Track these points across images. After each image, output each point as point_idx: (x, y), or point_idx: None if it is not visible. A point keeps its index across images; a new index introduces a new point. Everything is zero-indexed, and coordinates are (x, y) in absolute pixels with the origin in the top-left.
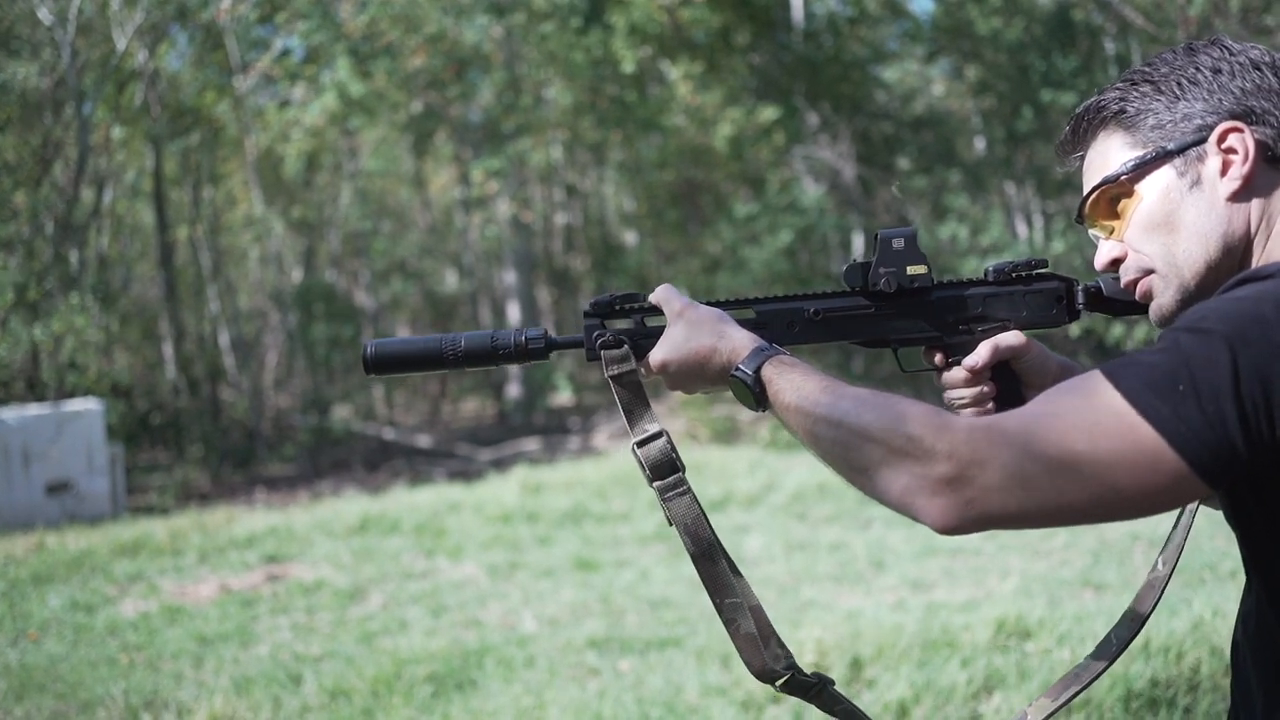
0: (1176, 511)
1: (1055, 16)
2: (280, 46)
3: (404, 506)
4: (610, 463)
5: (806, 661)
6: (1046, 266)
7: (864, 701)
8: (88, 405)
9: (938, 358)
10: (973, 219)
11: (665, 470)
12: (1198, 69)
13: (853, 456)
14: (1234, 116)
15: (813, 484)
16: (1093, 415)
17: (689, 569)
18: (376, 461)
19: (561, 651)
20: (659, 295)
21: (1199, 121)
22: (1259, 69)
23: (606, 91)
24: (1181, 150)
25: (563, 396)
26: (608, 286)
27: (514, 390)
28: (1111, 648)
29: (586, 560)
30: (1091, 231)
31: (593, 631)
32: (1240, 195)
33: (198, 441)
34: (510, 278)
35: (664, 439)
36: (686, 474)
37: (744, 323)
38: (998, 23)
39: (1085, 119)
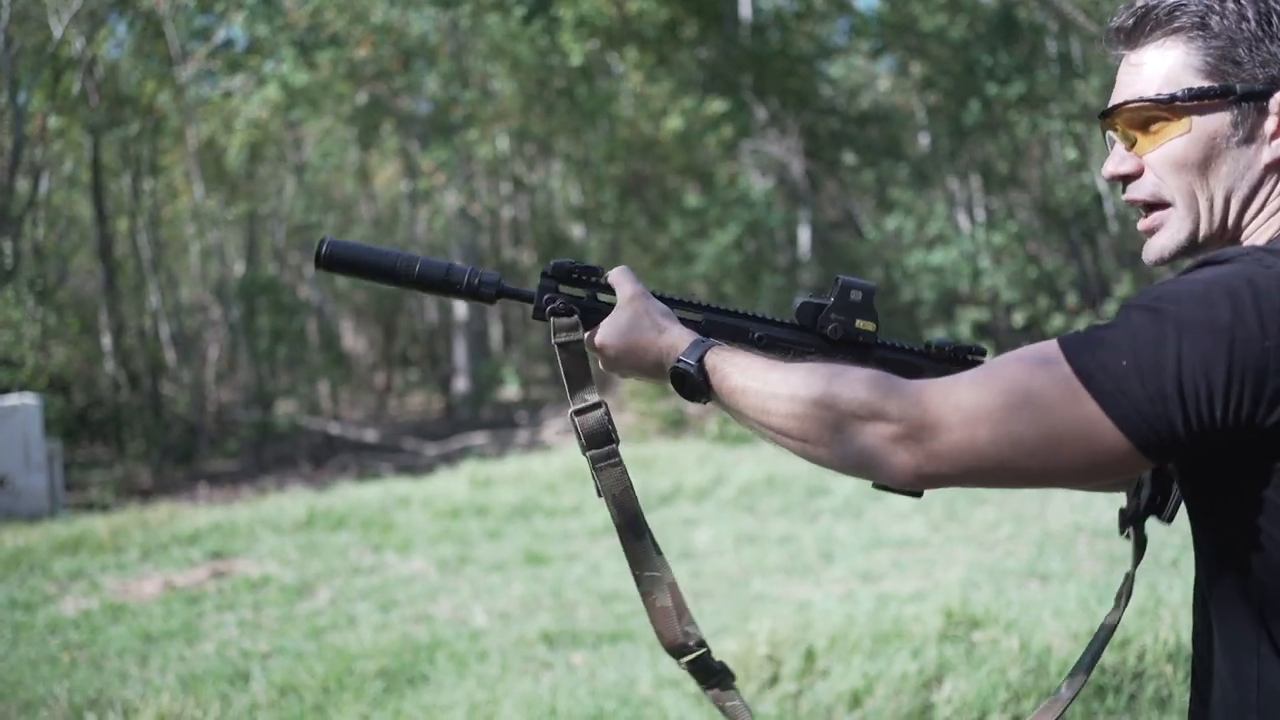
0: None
1: (999, 14)
2: (222, 36)
3: (351, 501)
4: (560, 457)
5: (760, 654)
6: (985, 355)
7: (817, 692)
8: (24, 400)
9: None
10: (917, 213)
11: (600, 440)
12: (1265, 18)
13: (807, 427)
14: (1273, 85)
15: (761, 477)
16: (1041, 383)
17: None
18: (322, 457)
19: (513, 645)
20: (615, 275)
21: (1275, 72)
22: None
23: (554, 84)
24: (1248, 97)
25: (510, 390)
26: None
27: (461, 384)
28: None
29: (537, 554)
30: (1110, 134)
31: (544, 625)
32: (1274, 167)
33: (139, 437)
34: None
35: (602, 410)
36: (620, 449)
37: (689, 325)
38: (942, 19)
39: (1155, 15)
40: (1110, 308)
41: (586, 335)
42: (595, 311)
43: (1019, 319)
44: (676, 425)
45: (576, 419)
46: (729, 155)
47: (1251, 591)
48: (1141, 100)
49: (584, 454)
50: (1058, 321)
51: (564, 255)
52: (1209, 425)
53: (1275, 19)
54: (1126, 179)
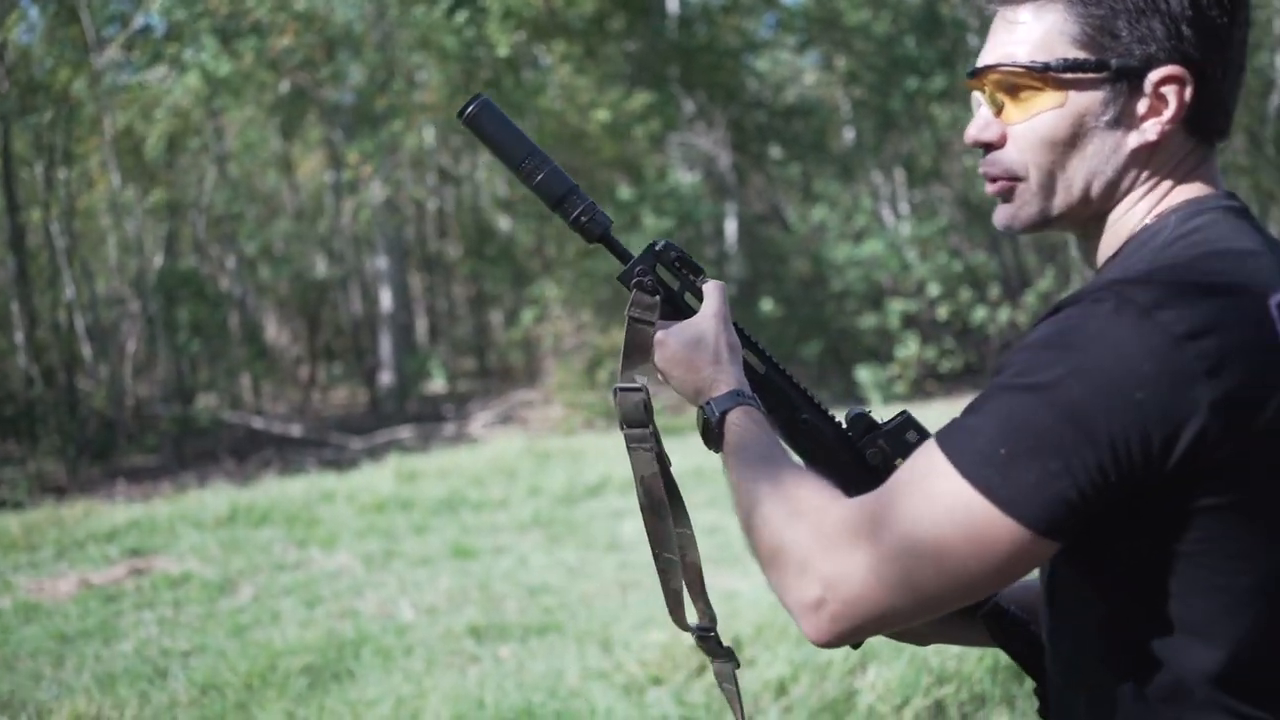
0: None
1: (922, 9)
2: (140, 22)
3: (274, 496)
4: (487, 450)
5: (686, 644)
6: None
7: (745, 680)
8: None
9: None
10: (842, 206)
11: (635, 421)
12: None
13: (758, 550)
14: (1185, 62)
15: (690, 468)
16: (931, 498)
17: (567, 554)
18: (245, 451)
19: (440, 639)
20: (710, 288)
21: (1153, 50)
22: (1216, 4)
23: (480, 75)
24: (1123, 73)
25: (436, 384)
26: (481, 273)
27: (386, 378)
28: None
29: (464, 548)
30: (976, 94)
31: (471, 619)
32: (1144, 151)
33: (53, 433)
34: (382, 263)
35: (644, 393)
36: (659, 435)
37: (748, 371)
38: (867, 14)
39: None
40: (1030, 299)
41: (657, 323)
42: (676, 307)
43: (943, 312)
44: (606, 417)
45: (619, 394)
46: (657, 148)
47: (1131, 643)
48: (1014, 65)
49: (622, 430)
50: (980, 313)
51: (490, 248)
52: (1102, 489)
53: None
54: (989, 146)
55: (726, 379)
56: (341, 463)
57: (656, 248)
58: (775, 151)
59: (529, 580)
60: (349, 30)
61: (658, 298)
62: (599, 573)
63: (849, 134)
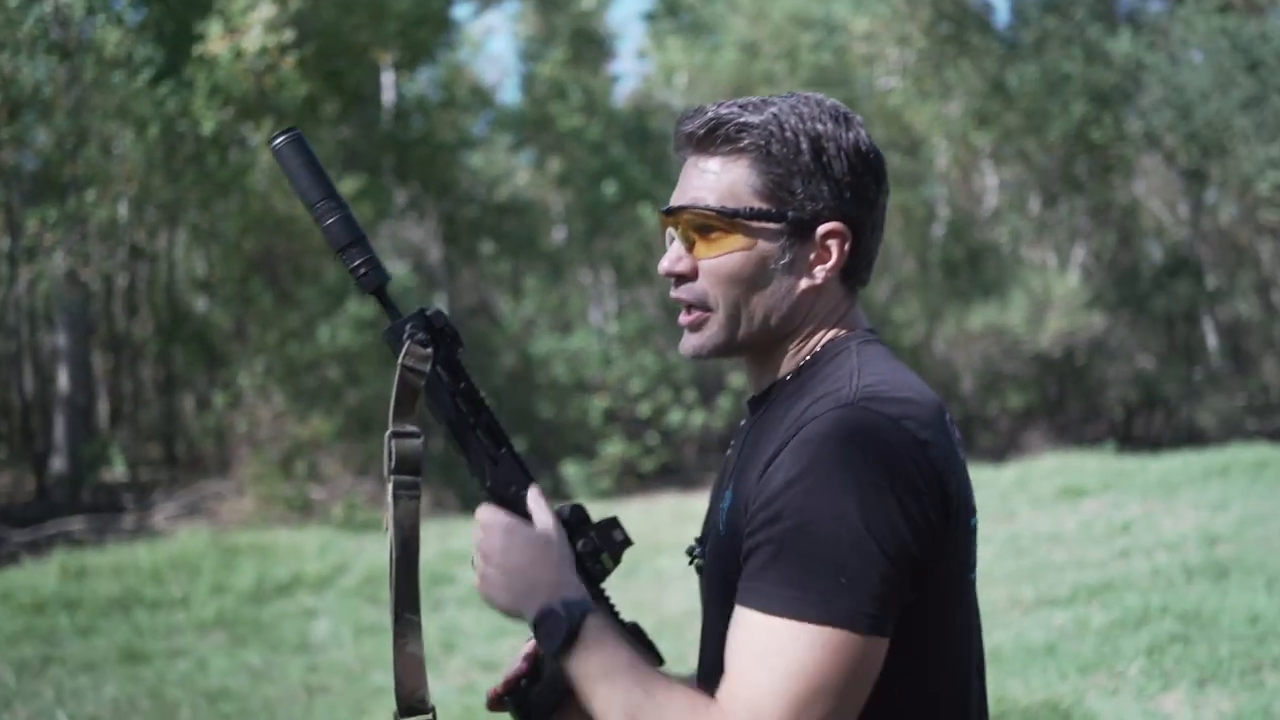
0: None
1: (632, 119)
2: None
3: None
4: (170, 544)
5: None
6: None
7: None
8: None
9: None
10: (551, 303)
11: (409, 468)
12: (838, 147)
13: None
14: (845, 219)
15: (388, 563)
16: (778, 655)
17: (252, 656)
18: None
19: None
20: (538, 498)
21: (820, 207)
22: (869, 173)
23: (184, 150)
24: (798, 225)
25: (116, 471)
26: (172, 354)
27: (58, 464)
28: None
29: (136, 651)
30: (670, 230)
31: None
32: (811, 292)
33: None
34: (61, 340)
35: (420, 441)
36: (421, 488)
37: (480, 447)
38: (580, 120)
39: (726, 130)
40: (724, 402)
41: (483, 507)
42: (448, 368)
43: (645, 409)
44: (300, 511)
45: (393, 441)
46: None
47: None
48: (707, 208)
49: (387, 477)
50: (676, 415)
51: (183, 329)
52: (909, 560)
53: (827, 157)
54: (680, 278)
55: (574, 584)
56: None
57: (428, 313)
58: (487, 247)
59: (207, 686)
60: (37, 91)
61: (430, 350)
62: (285, 676)
63: (559, 233)
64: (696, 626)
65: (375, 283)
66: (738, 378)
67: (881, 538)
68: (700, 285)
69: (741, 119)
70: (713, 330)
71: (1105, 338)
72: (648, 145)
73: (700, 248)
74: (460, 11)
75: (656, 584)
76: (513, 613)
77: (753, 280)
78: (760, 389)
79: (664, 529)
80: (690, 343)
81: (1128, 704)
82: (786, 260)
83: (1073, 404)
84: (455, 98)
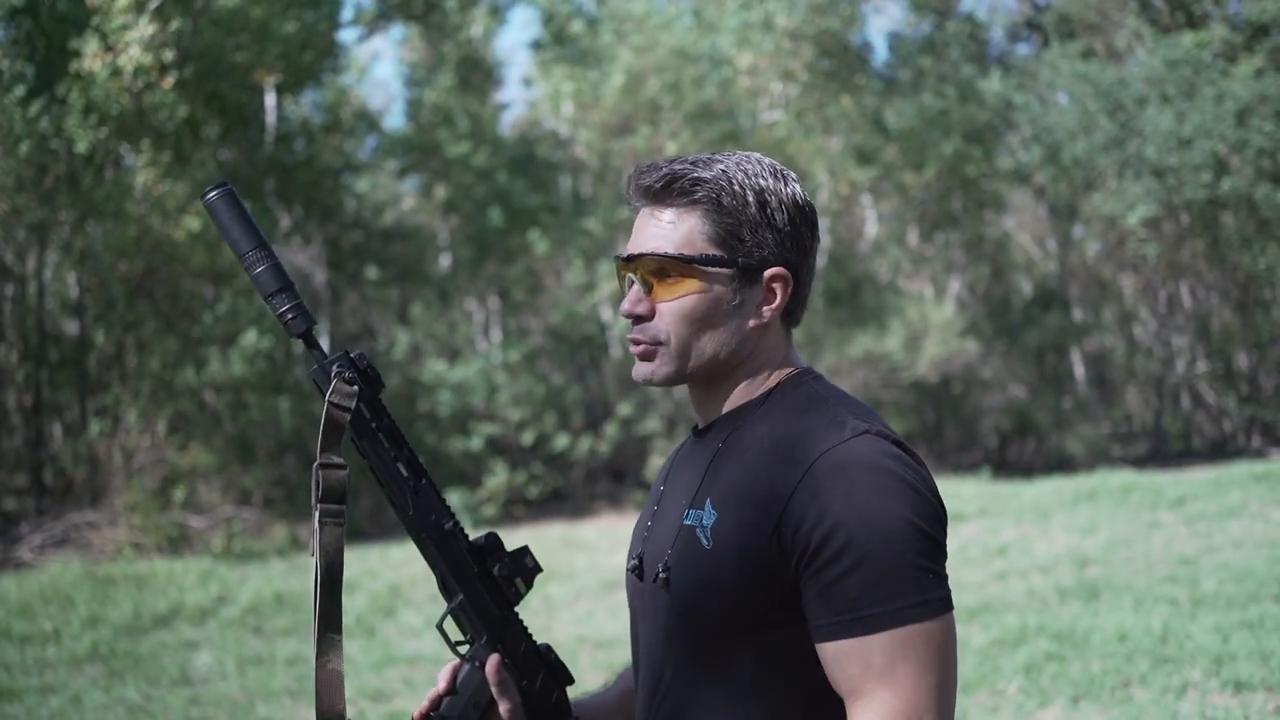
0: None
1: (519, 146)
2: None
3: None
4: (39, 575)
5: None
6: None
7: None
8: None
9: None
10: (437, 330)
11: (335, 497)
12: (779, 200)
13: None
14: (786, 264)
15: (269, 594)
16: (913, 660)
17: (130, 691)
18: None
19: None
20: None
21: (766, 253)
22: (805, 223)
23: (56, 169)
24: (747, 269)
25: None
26: (39, 379)
27: None
28: None
29: (3, 688)
30: (629, 275)
31: None
32: (756, 331)
33: None
34: None
35: (346, 472)
36: (346, 515)
37: (399, 481)
38: (466, 147)
39: (681, 184)
40: (612, 429)
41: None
42: (369, 404)
43: (529, 436)
44: (177, 541)
45: (321, 472)
46: None
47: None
48: (666, 255)
49: (314, 506)
50: (562, 440)
51: (53, 352)
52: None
53: (770, 209)
54: (639, 319)
55: None
56: None
57: (352, 354)
58: (372, 272)
59: None
60: None
61: (355, 388)
62: (166, 711)
63: (446, 260)
64: (588, 652)
65: (301, 327)
66: (626, 406)
67: (934, 527)
68: (656, 324)
69: (695, 174)
70: (663, 361)
71: (979, 367)
72: (533, 173)
73: (658, 290)
74: (346, 35)
75: (546, 610)
76: None
77: (706, 319)
78: (710, 416)
79: (552, 556)
80: (642, 370)
81: None
82: (737, 302)
83: (949, 431)
84: (340, 121)
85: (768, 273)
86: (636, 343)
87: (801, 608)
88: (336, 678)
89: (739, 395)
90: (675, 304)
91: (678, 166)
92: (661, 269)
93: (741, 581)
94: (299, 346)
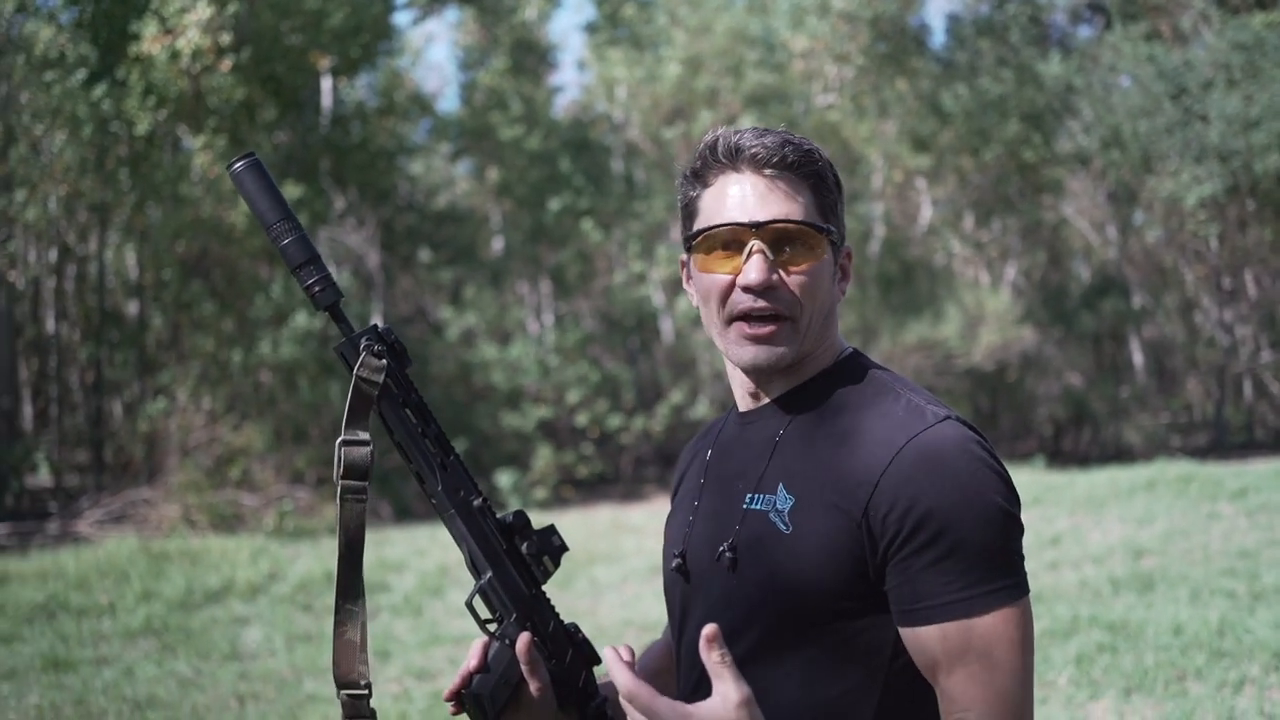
0: None
1: (571, 130)
2: None
3: None
4: (96, 550)
5: None
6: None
7: None
8: None
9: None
10: (489, 313)
11: (358, 473)
12: (840, 184)
13: None
14: (843, 239)
15: (320, 572)
16: (1007, 641)
17: (181, 665)
18: None
19: None
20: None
21: (843, 231)
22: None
23: (116, 151)
24: (837, 244)
25: (41, 477)
26: (102, 358)
27: None
28: None
29: (60, 659)
30: (753, 243)
31: None
32: (836, 306)
33: None
34: None
35: (369, 449)
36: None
37: (428, 455)
38: (520, 130)
39: (793, 155)
40: (663, 410)
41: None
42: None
43: (582, 419)
44: (230, 519)
45: (344, 448)
46: None
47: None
48: (801, 222)
49: (337, 481)
50: (615, 420)
51: (114, 332)
52: None
53: (842, 190)
54: (769, 288)
55: None
56: None
57: (380, 328)
58: (425, 254)
59: (135, 694)
60: None
61: (384, 363)
62: (215, 685)
63: (498, 243)
64: (633, 634)
65: (329, 300)
66: (678, 392)
67: (1017, 511)
68: (787, 295)
69: (807, 145)
70: (789, 337)
71: (1035, 354)
72: (587, 157)
73: (788, 258)
74: (400, 18)
75: (593, 593)
76: None
77: (821, 288)
78: (764, 397)
79: (601, 539)
80: (766, 353)
81: (1057, 712)
82: (836, 271)
83: (1004, 419)
84: (394, 104)
85: (844, 248)
86: (761, 318)
87: (881, 594)
88: (351, 646)
89: (804, 372)
90: (808, 274)
91: (786, 137)
92: (793, 237)
93: (824, 567)
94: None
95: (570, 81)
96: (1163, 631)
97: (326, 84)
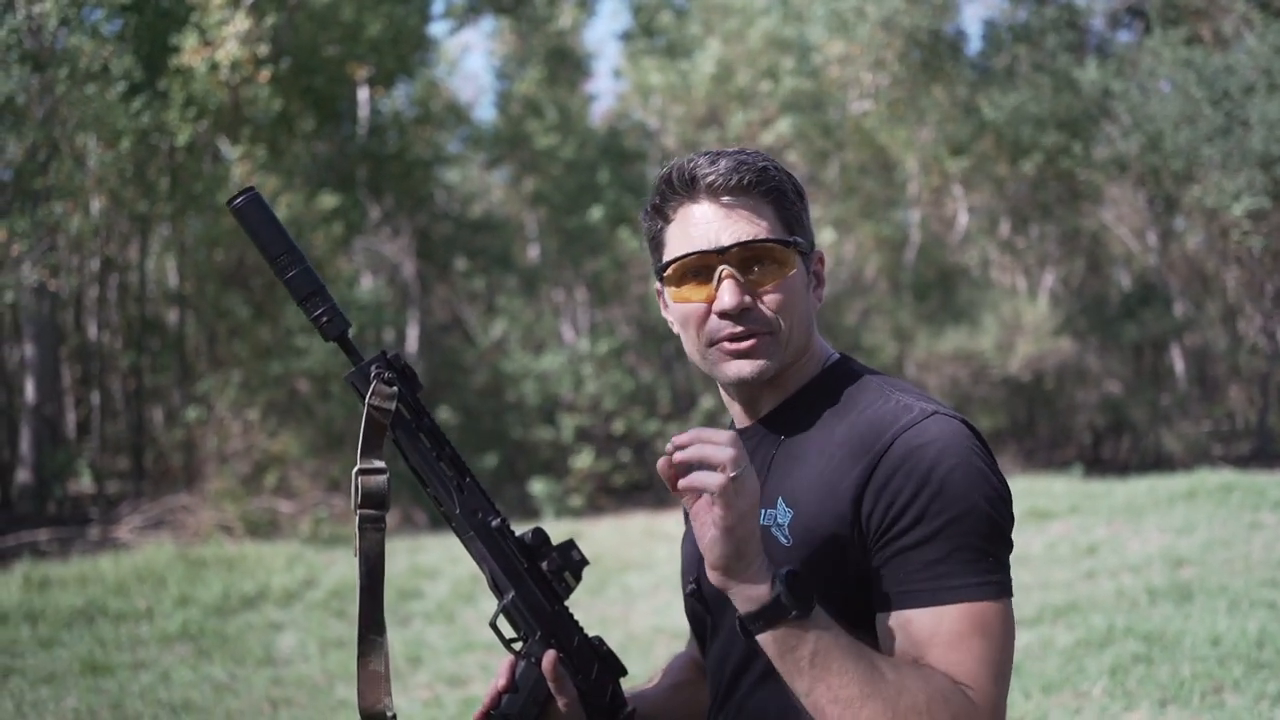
0: None
1: (607, 139)
2: None
3: None
4: (135, 556)
5: None
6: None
7: None
8: None
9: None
10: (524, 320)
11: (375, 502)
12: (802, 193)
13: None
14: (812, 246)
15: (354, 579)
16: (984, 636)
17: (216, 670)
18: None
19: None
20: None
21: (812, 238)
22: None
23: (157, 162)
24: (806, 252)
25: (83, 483)
26: (142, 366)
27: (23, 475)
28: None
29: (98, 663)
30: (722, 269)
31: None
32: (814, 313)
33: None
34: (29, 350)
35: (386, 476)
36: (386, 520)
37: (446, 486)
38: (555, 139)
39: (752, 176)
40: (696, 417)
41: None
42: (407, 405)
43: (619, 427)
44: (266, 526)
45: (360, 478)
46: (341, 251)
47: None
48: (768, 240)
49: (355, 511)
50: (652, 425)
51: (154, 340)
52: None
53: (805, 198)
54: (744, 310)
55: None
56: None
57: (388, 355)
58: (461, 263)
59: (170, 698)
60: (10, 101)
61: (395, 389)
62: (249, 689)
63: (534, 251)
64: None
65: (336, 330)
66: (709, 399)
67: (1001, 510)
68: (763, 315)
69: (760, 164)
70: (773, 350)
71: (1074, 363)
72: (624, 165)
73: (760, 277)
74: (436, 29)
75: (624, 600)
76: (732, 566)
77: (797, 299)
78: (757, 412)
79: (634, 546)
80: (750, 366)
81: None
82: (809, 279)
83: (1041, 428)
84: (430, 114)
85: (815, 254)
86: (742, 337)
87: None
88: (376, 678)
89: (789, 385)
90: (781, 289)
91: (740, 159)
92: (760, 256)
93: (824, 573)
94: (380, 339)
95: (606, 90)
96: (1200, 642)
97: (364, 94)
